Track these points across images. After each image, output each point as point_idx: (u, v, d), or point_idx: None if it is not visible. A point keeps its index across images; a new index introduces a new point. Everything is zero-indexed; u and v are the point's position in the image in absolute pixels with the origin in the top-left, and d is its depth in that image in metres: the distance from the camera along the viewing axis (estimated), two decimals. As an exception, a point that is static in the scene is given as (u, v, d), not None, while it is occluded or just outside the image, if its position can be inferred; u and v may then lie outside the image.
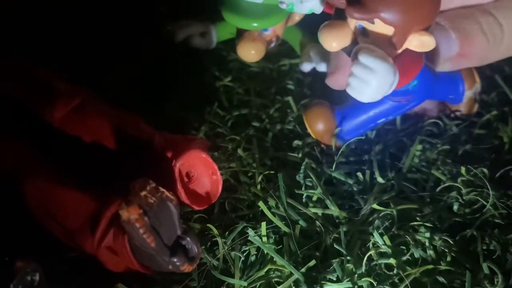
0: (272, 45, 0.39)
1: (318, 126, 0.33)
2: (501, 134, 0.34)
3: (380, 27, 0.27)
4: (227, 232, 0.30)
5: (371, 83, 0.26)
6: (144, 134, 0.30)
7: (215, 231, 0.30)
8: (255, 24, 0.36)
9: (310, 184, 0.32)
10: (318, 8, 0.30)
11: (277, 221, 0.30)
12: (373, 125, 0.34)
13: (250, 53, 0.38)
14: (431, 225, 0.29)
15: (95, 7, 0.44)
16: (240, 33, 0.38)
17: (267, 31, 0.38)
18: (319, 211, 0.31)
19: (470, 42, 0.29)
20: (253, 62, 0.40)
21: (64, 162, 0.31)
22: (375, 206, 0.30)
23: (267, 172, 0.33)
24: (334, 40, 0.28)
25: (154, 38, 0.41)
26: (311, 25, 0.37)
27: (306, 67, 0.39)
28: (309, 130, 0.34)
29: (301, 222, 0.30)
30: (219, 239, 0.29)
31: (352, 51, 0.27)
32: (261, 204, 0.29)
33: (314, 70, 0.38)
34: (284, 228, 0.30)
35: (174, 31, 0.40)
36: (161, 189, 0.26)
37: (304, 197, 0.31)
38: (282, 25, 0.38)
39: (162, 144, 0.29)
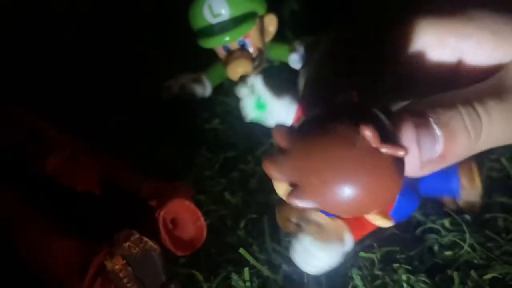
0: (257, 63, 0.40)
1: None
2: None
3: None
4: (212, 277, 0.31)
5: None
6: (131, 183, 0.32)
7: (200, 277, 0.30)
8: (227, 38, 0.38)
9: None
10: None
11: (260, 266, 0.30)
12: None
13: (237, 71, 0.39)
14: (410, 267, 0.30)
15: (87, 58, 0.46)
16: (228, 60, 0.40)
17: (247, 46, 0.40)
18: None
19: (454, 140, 0.23)
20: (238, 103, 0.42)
21: (54, 210, 0.32)
22: (362, 254, 0.31)
23: (250, 216, 0.33)
24: None
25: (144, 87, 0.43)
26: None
27: (295, 58, 0.40)
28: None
29: (284, 266, 0.31)
30: (204, 285, 0.30)
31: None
32: (242, 251, 0.30)
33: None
34: (267, 273, 0.30)
35: (169, 85, 0.42)
36: (145, 239, 0.27)
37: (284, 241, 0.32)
38: (258, 37, 0.40)
39: (147, 193, 0.30)
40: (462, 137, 0.23)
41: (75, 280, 0.29)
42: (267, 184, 0.36)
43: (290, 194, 0.20)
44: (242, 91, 0.24)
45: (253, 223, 0.34)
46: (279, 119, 0.24)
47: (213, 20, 0.39)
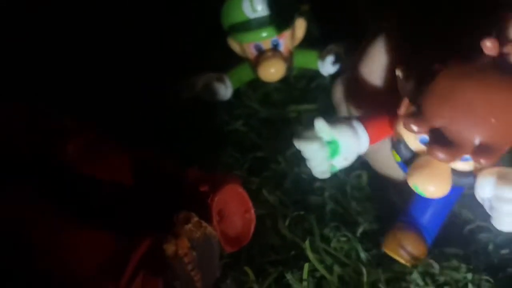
0: (287, 65, 0.39)
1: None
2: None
3: None
4: (260, 278, 0.27)
5: None
6: (168, 169, 0.28)
7: (252, 276, 0.27)
8: (264, 34, 0.38)
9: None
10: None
11: (318, 265, 0.27)
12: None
13: (269, 71, 0.38)
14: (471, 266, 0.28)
15: (110, 55, 0.43)
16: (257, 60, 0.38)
17: (280, 47, 0.39)
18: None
19: None
20: (261, 107, 0.40)
21: (77, 201, 0.28)
22: None
23: (295, 214, 0.31)
24: (431, 185, 0.22)
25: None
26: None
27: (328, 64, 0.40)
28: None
29: (336, 267, 0.28)
30: (255, 286, 0.27)
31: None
32: (307, 244, 0.27)
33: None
34: (324, 272, 0.28)
35: (192, 82, 0.39)
36: (204, 223, 0.24)
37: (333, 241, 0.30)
38: (290, 40, 0.39)
39: (196, 179, 0.27)
40: None
41: (106, 278, 0.25)
42: (301, 184, 0.34)
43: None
44: (312, 147, 0.21)
45: (295, 222, 0.31)
46: (354, 153, 0.21)
47: (252, 15, 0.37)
